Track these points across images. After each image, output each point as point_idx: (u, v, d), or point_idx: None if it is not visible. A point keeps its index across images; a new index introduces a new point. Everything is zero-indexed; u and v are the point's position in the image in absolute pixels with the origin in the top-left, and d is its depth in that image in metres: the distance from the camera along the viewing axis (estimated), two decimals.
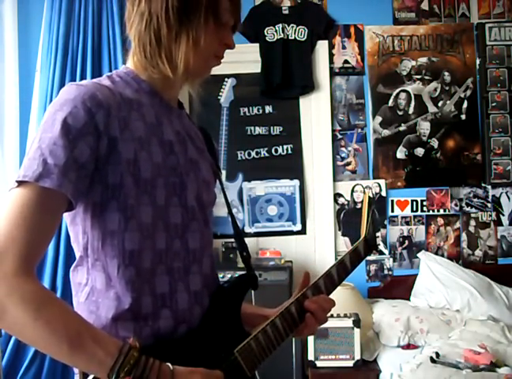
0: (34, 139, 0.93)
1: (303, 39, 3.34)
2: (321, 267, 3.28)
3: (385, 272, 3.39)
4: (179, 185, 1.04)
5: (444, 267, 3.22)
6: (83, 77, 2.98)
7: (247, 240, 1.25)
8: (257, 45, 3.34)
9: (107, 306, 0.97)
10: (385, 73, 3.41)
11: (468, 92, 3.41)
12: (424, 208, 3.41)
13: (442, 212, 3.41)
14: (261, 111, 3.40)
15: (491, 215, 3.42)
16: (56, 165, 0.89)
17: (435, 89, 3.41)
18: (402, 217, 3.41)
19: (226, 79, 3.37)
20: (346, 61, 3.41)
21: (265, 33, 3.33)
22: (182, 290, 1.03)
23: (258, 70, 3.33)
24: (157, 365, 0.89)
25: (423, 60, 3.41)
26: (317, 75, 3.38)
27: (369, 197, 1.42)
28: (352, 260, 1.29)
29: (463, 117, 3.41)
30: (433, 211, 3.41)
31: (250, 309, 1.18)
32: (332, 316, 2.52)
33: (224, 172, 3.36)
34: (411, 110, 3.41)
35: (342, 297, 2.74)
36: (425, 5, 3.43)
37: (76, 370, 0.94)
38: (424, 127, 3.40)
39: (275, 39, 3.33)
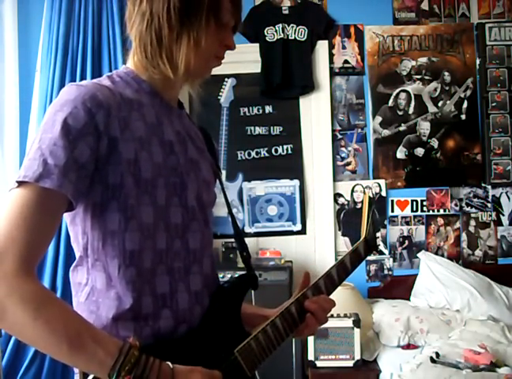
0: (34, 139, 0.93)
1: (303, 39, 3.34)
2: (321, 267, 3.28)
3: (385, 272, 3.39)
4: (180, 185, 1.04)
5: (444, 267, 3.22)
6: (83, 77, 2.98)
7: (247, 240, 1.25)
8: (257, 45, 3.34)
9: (107, 306, 0.97)
10: (385, 73, 3.41)
11: (468, 92, 3.41)
12: (424, 208, 3.41)
13: (442, 211, 3.41)
14: (261, 111, 3.40)
15: (491, 215, 3.42)
16: (56, 165, 0.89)
17: (435, 89, 3.41)
18: (402, 217, 3.41)
19: (226, 79, 3.37)
20: (346, 61, 3.41)
21: (265, 33, 3.34)
22: (182, 290, 1.03)
23: (258, 70, 3.33)
24: (157, 364, 0.89)
25: (423, 60, 3.41)
26: (317, 75, 3.38)
27: (369, 197, 1.42)
28: (353, 261, 1.29)
29: (463, 117, 3.41)
30: (433, 211, 3.41)
31: (250, 310, 1.18)
32: (332, 316, 2.51)
33: (224, 172, 3.36)
34: (411, 110, 3.41)
35: (342, 297, 2.74)
36: (425, 5, 3.43)
37: (76, 370, 0.94)
38: (424, 127, 3.40)
39: (275, 39, 3.33)
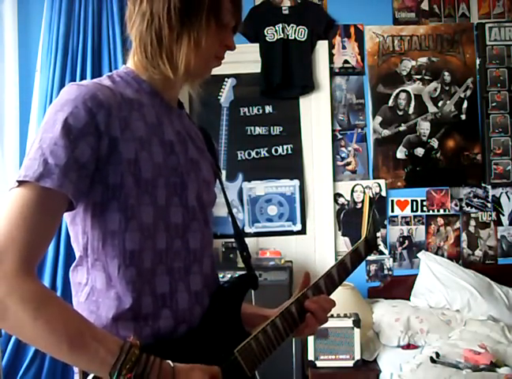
0: (35, 139, 0.93)
1: (303, 39, 3.34)
2: (321, 267, 3.28)
3: (385, 272, 3.39)
4: (180, 185, 1.04)
5: (444, 267, 3.22)
6: (83, 77, 2.98)
7: (247, 240, 1.25)
8: (257, 45, 3.34)
9: (107, 306, 0.97)
10: (385, 73, 3.41)
11: (468, 92, 3.41)
12: (424, 208, 3.41)
13: (442, 211, 3.41)
14: (261, 111, 3.40)
15: (491, 215, 3.42)
16: (57, 165, 0.88)
17: (435, 89, 3.41)
18: (402, 217, 3.41)
19: (226, 79, 3.37)
20: (346, 61, 3.41)
21: (265, 33, 3.34)
22: (182, 290, 1.03)
23: (258, 70, 3.33)
24: (158, 363, 0.89)
25: (423, 60, 3.41)
26: (317, 75, 3.38)
27: (369, 197, 1.42)
28: (353, 261, 1.29)
29: (463, 117, 3.41)
30: (433, 211, 3.41)
31: (250, 309, 1.18)
32: (332, 316, 2.51)
33: (224, 172, 3.36)
34: (411, 110, 3.41)
35: (342, 297, 2.74)
36: (425, 5, 3.43)
37: (76, 370, 0.94)
38: (424, 127, 3.40)
39: (275, 39, 3.33)
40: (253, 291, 1.14)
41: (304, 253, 3.36)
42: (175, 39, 1.01)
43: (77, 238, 1.00)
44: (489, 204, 3.42)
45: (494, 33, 3.40)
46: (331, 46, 3.40)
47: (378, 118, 3.40)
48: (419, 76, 3.41)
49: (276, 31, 3.34)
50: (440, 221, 3.41)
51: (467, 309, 2.98)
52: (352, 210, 3.39)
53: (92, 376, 0.89)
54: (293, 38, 3.34)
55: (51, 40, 3.00)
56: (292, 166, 3.40)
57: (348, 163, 3.41)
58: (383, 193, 3.38)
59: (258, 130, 3.40)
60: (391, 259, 3.40)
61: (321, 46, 3.39)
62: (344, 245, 3.37)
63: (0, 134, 3.02)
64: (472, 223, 3.42)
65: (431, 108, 3.41)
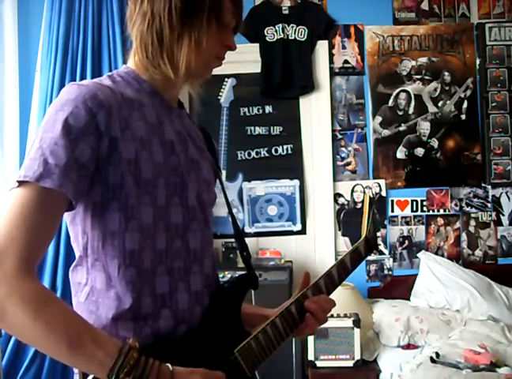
0: (35, 139, 0.93)
1: (303, 39, 3.34)
2: (321, 267, 3.28)
3: (385, 272, 3.39)
4: (180, 185, 1.04)
5: (444, 267, 3.22)
6: (83, 77, 2.98)
7: (247, 240, 1.25)
8: (257, 45, 3.34)
9: (107, 306, 0.97)
10: (385, 73, 3.41)
11: (468, 92, 3.41)
12: (424, 208, 3.41)
13: (442, 211, 3.41)
14: (261, 111, 3.40)
15: (491, 215, 3.42)
16: (57, 165, 0.88)
17: (435, 89, 3.41)
18: (402, 217, 3.41)
19: (226, 79, 3.37)
20: (346, 61, 3.41)
21: (265, 33, 3.34)
22: (182, 290, 1.03)
23: (258, 70, 3.33)
24: (157, 366, 0.89)
25: (423, 60, 3.41)
26: (317, 75, 3.38)
27: (369, 197, 1.42)
28: (353, 261, 1.29)
29: (463, 117, 3.41)
30: (433, 211, 3.41)
31: (250, 309, 1.18)
32: (332, 316, 2.52)
33: (224, 172, 3.36)
34: (411, 110, 3.41)
35: (342, 297, 2.74)
36: (425, 5, 3.43)
37: (75, 370, 0.94)
38: (424, 127, 3.40)
39: (275, 39, 3.33)
40: (253, 291, 1.14)
41: (304, 253, 3.36)
42: (175, 39, 1.01)
43: (77, 238, 1.00)
44: (489, 204, 3.42)
45: (494, 33, 3.40)
46: (331, 46, 3.40)
47: (378, 118, 3.40)
48: (419, 76, 3.41)
49: (276, 31, 3.34)
50: (440, 221, 3.41)
51: (467, 309, 2.98)
52: (351, 210, 3.39)
53: (91, 377, 0.89)
54: (293, 38, 3.34)
55: (51, 40, 3.00)
56: (292, 166, 3.40)
57: (348, 163, 3.41)
58: (383, 193, 3.38)
59: (258, 130, 3.40)
60: (391, 259, 3.40)
61: (321, 46, 3.39)
62: (344, 245, 3.37)
63: (0, 134, 3.02)
64: (472, 223, 3.42)
65: (431, 108, 3.41)
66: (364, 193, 3.37)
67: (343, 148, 3.40)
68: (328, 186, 3.38)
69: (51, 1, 3.02)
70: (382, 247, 3.39)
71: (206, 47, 1.03)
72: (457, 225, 3.41)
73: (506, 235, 3.42)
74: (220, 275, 1.92)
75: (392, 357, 2.65)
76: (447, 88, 3.41)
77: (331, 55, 3.40)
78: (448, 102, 3.41)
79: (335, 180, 3.39)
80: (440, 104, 3.41)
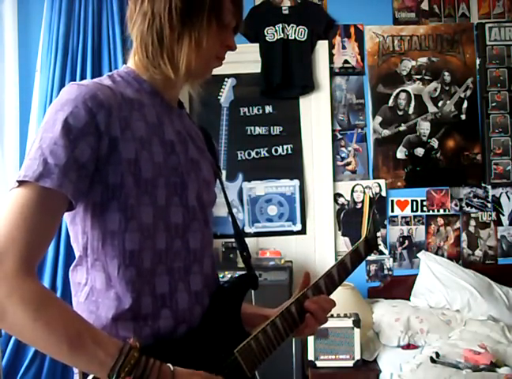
0: (35, 139, 0.93)
1: (303, 39, 3.34)
2: (321, 267, 3.28)
3: (385, 272, 3.39)
4: (180, 185, 1.04)
5: (444, 267, 3.22)
6: (83, 77, 2.98)
7: (247, 240, 1.25)
8: (257, 45, 3.34)
9: (107, 306, 0.97)
10: (385, 73, 3.41)
11: (468, 92, 3.41)
12: (424, 208, 3.41)
13: (442, 211, 3.41)
14: (261, 111, 3.40)
15: (491, 215, 3.42)
16: (57, 165, 0.88)
17: (435, 89, 3.41)
18: (402, 217, 3.41)
19: (226, 79, 3.37)
20: (346, 61, 3.41)
21: (265, 33, 3.34)
22: (182, 290, 1.03)
23: (258, 70, 3.33)
24: (158, 366, 0.89)
25: (423, 60, 3.41)
26: (317, 75, 3.38)
27: (370, 197, 1.42)
28: (353, 261, 1.29)
29: (463, 117, 3.41)
30: (433, 211, 3.41)
31: (250, 309, 1.18)
32: (332, 316, 2.52)
33: (224, 172, 3.36)
34: (411, 110, 3.41)
35: (342, 297, 2.74)
36: (425, 5, 3.43)
37: (75, 370, 0.94)
38: (424, 127, 3.40)
39: (275, 39, 3.33)
40: (253, 291, 1.14)
41: (304, 253, 3.36)
42: (176, 39, 1.01)
43: (77, 238, 1.00)
44: (489, 204, 3.42)
45: (494, 33, 3.40)
46: (331, 46, 3.40)
47: (378, 118, 3.40)
48: (419, 76, 3.41)
49: (276, 31, 3.34)
50: (440, 221, 3.41)
51: (467, 309, 2.98)
52: (351, 210, 3.39)
53: (91, 377, 0.89)
54: (293, 38, 3.34)
55: (51, 40, 3.00)
56: (292, 166, 3.40)
57: (348, 163, 3.41)
58: (383, 193, 3.38)
59: (258, 130, 3.40)
60: (391, 259, 3.40)
61: (321, 46, 3.39)
62: (344, 245, 3.37)
63: (0, 134, 3.02)
64: (472, 223, 3.42)
65: (431, 108, 3.41)
66: (364, 193, 3.37)
67: (343, 148, 3.40)
68: (328, 186, 3.38)
69: (51, 1, 3.02)
70: (382, 247, 3.39)
71: (206, 47, 1.03)
72: (457, 225, 3.41)
73: (506, 235, 3.42)
74: (220, 275, 1.92)
75: (392, 357, 2.65)
76: (447, 88, 3.41)
77: (331, 55, 3.40)
78: (448, 102, 3.41)
79: (335, 180, 3.39)
80: (440, 104, 3.41)
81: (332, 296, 1.22)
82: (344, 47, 3.41)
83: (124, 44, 2.97)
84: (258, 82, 3.34)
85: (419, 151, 3.40)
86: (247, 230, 3.39)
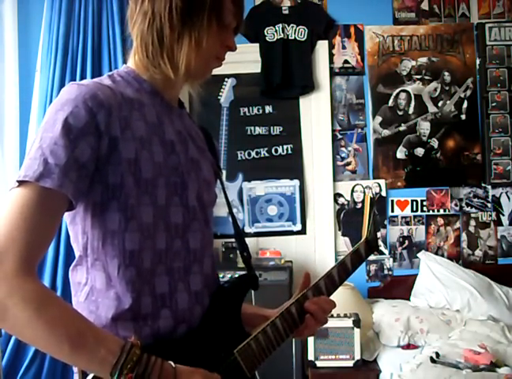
0: (35, 139, 0.93)
1: (303, 39, 3.34)
2: (321, 267, 3.28)
3: (385, 272, 3.39)
4: (180, 184, 1.04)
5: (444, 267, 3.22)
6: (83, 77, 2.98)
7: (247, 240, 1.25)
8: (257, 45, 3.34)
9: (106, 306, 0.97)
10: (385, 73, 3.41)
11: (468, 92, 3.41)
12: (424, 208, 3.41)
13: (442, 211, 3.41)
14: (261, 111, 3.40)
15: (491, 215, 3.42)
16: (57, 165, 0.88)
17: (435, 89, 3.41)
18: (402, 217, 3.41)
19: (226, 79, 3.37)
20: (346, 61, 3.41)
21: (265, 33, 3.33)
22: (182, 290, 1.02)
23: (258, 70, 3.33)
24: (159, 363, 0.89)
25: (423, 60, 3.41)
26: (317, 75, 3.38)
27: (370, 197, 1.42)
28: (353, 261, 1.29)
29: (463, 117, 3.41)
30: (433, 211, 3.41)
31: (250, 310, 1.17)
32: (332, 316, 2.51)
33: (224, 172, 3.36)
34: (411, 110, 3.41)
35: (342, 297, 2.74)
36: (425, 5, 3.43)
37: (75, 370, 0.94)
38: (424, 127, 3.40)
39: (275, 39, 3.33)
40: (253, 291, 1.13)
41: (304, 253, 3.36)
42: (176, 38, 1.01)
43: (77, 238, 1.00)
44: (489, 204, 3.42)
45: (494, 33, 3.40)
46: (331, 46, 3.40)
47: (378, 118, 3.40)
48: (419, 76, 3.41)
49: (276, 31, 3.34)
50: (440, 221, 3.41)
51: (467, 309, 2.98)
52: (351, 210, 3.39)
53: (91, 376, 0.89)
54: (293, 38, 3.34)
55: (51, 40, 3.00)
56: (292, 166, 3.40)
57: (348, 163, 3.41)
58: (383, 193, 3.38)
59: (258, 130, 3.40)
60: (391, 259, 3.40)
61: (321, 46, 3.39)
62: (344, 245, 3.37)
63: (0, 134, 3.02)
64: (472, 223, 3.42)
65: (431, 108, 3.41)
66: (364, 193, 3.37)
67: (343, 148, 3.40)
68: (328, 186, 3.38)
69: (51, 1, 3.02)
70: (382, 247, 3.39)
71: (206, 47, 1.03)
72: (457, 225, 3.41)
73: (506, 235, 3.42)
74: (220, 275, 1.92)
75: (392, 357, 2.65)
76: (447, 88, 3.41)
77: (331, 55, 3.40)
78: (448, 102, 3.41)
79: (335, 180, 3.39)
80: (440, 104, 3.41)
81: (332, 296, 1.22)
82: (344, 47, 3.41)
83: (124, 44, 2.97)
84: (258, 82, 3.34)
85: (419, 151, 3.40)
86: (247, 230, 3.39)
